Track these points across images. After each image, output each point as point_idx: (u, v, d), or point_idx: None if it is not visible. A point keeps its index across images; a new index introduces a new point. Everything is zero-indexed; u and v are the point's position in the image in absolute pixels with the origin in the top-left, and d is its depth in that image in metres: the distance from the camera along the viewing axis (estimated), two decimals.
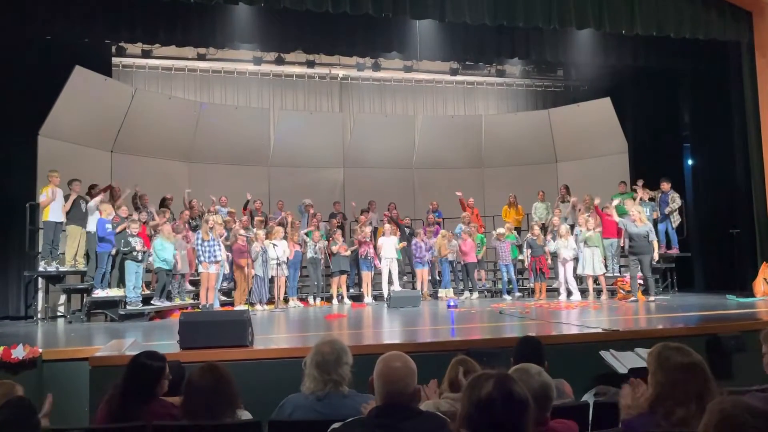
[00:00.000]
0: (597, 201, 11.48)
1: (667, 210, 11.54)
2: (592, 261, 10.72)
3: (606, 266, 11.04)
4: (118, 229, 9.10)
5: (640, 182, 11.64)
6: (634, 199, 11.27)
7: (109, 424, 3.12)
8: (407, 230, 12.73)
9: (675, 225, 11.66)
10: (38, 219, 9.66)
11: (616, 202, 10.93)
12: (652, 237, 10.11)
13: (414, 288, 11.96)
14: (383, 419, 2.31)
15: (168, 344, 5.67)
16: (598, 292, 10.91)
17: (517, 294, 11.66)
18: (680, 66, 12.65)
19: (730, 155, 11.90)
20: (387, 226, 12.12)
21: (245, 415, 3.08)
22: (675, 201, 11.57)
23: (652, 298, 9.89)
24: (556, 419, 2.44)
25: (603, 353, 5.05)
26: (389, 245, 11.84)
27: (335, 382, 2.92)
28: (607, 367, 4.93)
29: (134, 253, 9.02)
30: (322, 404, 2.88)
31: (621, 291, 10.56)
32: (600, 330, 5.97)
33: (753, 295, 10.13)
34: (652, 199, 11.65)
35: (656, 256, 10.41)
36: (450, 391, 3.17)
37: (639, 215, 10.03)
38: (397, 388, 2.37)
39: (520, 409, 1.84)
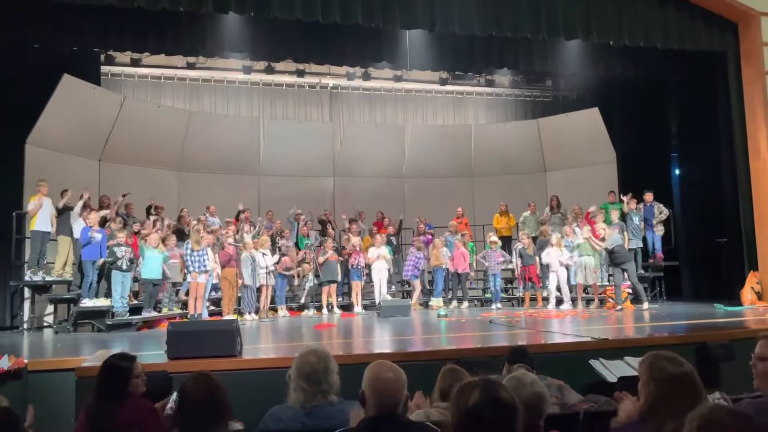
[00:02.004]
0: (592, 208, 11.59)
1: (655, 221, 11.61)
2: (584, 270, 10.73)
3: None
4: (109, 243, 9.10)
5: (629, 196, 11.67)
6: (623, 211, 11.32)
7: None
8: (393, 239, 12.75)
9: (660, 234, 11.73)
10: (25, 228, 9.58)
11: (594, 209, 11.29)
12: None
13: (407, 297, 11.93)
14: (374, 430, 2.29)
15: (155, 354, 5.62)
16: (588, 301, 10.93)
17: (499, 305, 11.60)
18: (668, 76, 12.76)
19: (717, 165, 11.99)
20: (378, 236, 12.09)
21: (236, 427, 3.05)
22: (663, 212, 11.64)
23: (645, 306, 9.90)
24: (551, 430, 2.44)
25: (593, 362, 5.06)
26: (380, 255, 11.81)
27: (324, 391, 2.88)
28: (597, 375, 4.93)
29: (119, 263, 8.94)
30: (310, 417, 2.84)
31: (610, 300, 10.59)
32: (590, 339, 5.97)
33: (740, 304, 10.20)
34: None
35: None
36: (441, 400, 3.16)
37: (604, 231, 10.21)
38: (389, 399, 2.35)
39: (507, 414, 1.84)
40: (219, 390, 2.84)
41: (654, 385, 2.41)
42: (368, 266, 12.09)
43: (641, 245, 11.34)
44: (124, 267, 9.00)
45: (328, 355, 2.97)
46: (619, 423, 2.52)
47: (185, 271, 9.94)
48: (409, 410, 2.84)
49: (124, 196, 10.69)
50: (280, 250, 11.54)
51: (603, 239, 10.21)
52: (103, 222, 9.78)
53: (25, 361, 5.29)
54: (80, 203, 9.62)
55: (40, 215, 9.31)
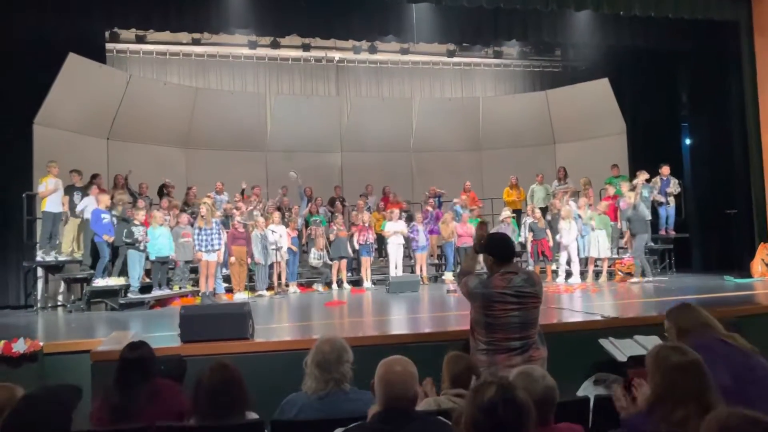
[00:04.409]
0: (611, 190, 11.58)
1: (668, 190, 11.52)
2: (598, 243, 10.70)
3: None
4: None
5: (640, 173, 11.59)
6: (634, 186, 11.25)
7: (112, 425, 3.15)
8: (404, 214, 12.70)
9: (671, 208, 11.67)
10: (35, 209, 9.64)
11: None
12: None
13: (413, 272, 11.96)
14: (385, 424, 2.33)
15: (169, 336, 5.68)
16: (597, 274, 10.94)
17: None
18: (678, 46, 12.54)
19: (728, 135, 11.87)
20: (396, 211, 12.07)
21: (252, 416, 3.09)
22: (677, 187, 11.55)
23: (647, 278, 9.97)
24: (562, 422, 2.46)
25: (602, 341, 5.07)
26: (397, 230, 11.83)
27: (336, 380, 2.95)
28: (607, 354, 4.96)
29: (136, 244, 9.02)
30: (324, 404, 2.90)
31: (619, 273, 10.59)
32: (599, 318, 5.99)
33: (750, 276, 10.18)
34: (648, 181, 11.57)
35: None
36: (451, 387, 3.18)
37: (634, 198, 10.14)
38: (397, 393, 2.39)
39: (521, 413, 1.90)
40: (235, 380, 2.88)
41: (660, 375, 2.43)
42: (377, 241, 12.10)
43: (650, 218, 11.26)
44: (141, 247, 9.09)
45: (342, 346, 3.03)
46: (629, 414, 2.54)
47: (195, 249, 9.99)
48: (420, 398, 2.87)
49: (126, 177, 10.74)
50: (284, 220, 11.43)
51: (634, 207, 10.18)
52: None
53: (41, 344, 5.36)
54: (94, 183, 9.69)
55: (51, 196, 9.36)
